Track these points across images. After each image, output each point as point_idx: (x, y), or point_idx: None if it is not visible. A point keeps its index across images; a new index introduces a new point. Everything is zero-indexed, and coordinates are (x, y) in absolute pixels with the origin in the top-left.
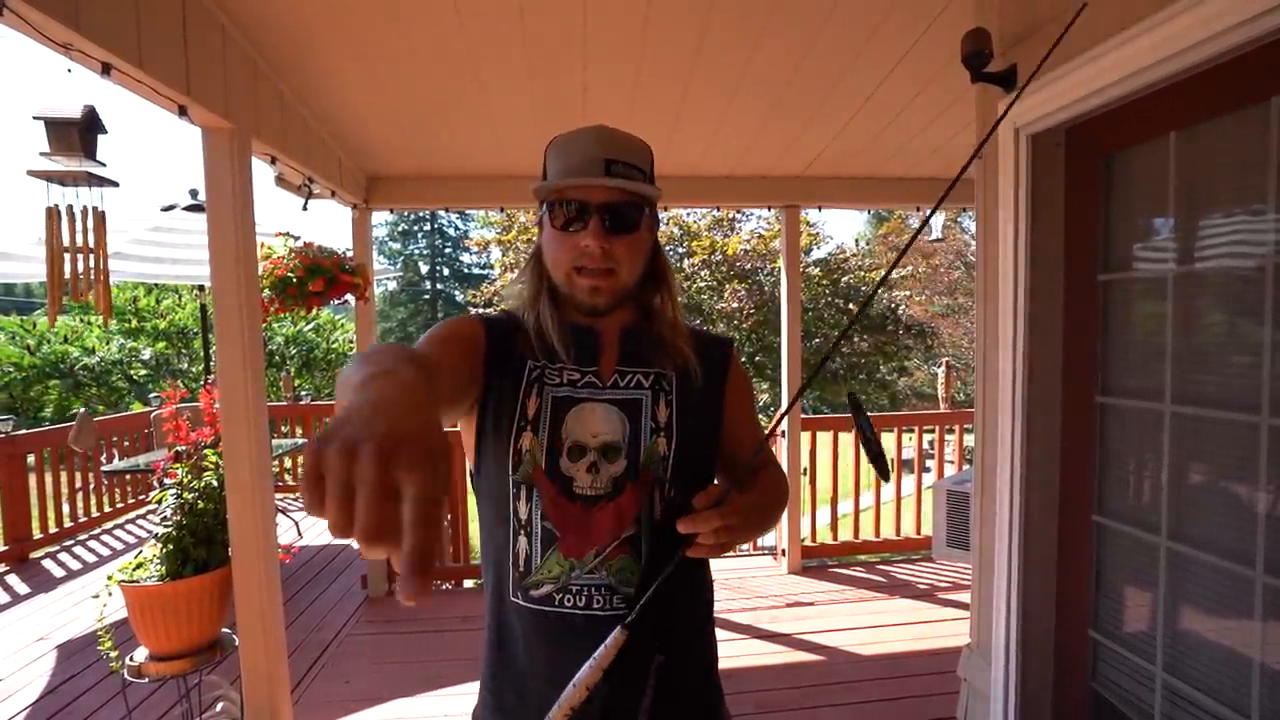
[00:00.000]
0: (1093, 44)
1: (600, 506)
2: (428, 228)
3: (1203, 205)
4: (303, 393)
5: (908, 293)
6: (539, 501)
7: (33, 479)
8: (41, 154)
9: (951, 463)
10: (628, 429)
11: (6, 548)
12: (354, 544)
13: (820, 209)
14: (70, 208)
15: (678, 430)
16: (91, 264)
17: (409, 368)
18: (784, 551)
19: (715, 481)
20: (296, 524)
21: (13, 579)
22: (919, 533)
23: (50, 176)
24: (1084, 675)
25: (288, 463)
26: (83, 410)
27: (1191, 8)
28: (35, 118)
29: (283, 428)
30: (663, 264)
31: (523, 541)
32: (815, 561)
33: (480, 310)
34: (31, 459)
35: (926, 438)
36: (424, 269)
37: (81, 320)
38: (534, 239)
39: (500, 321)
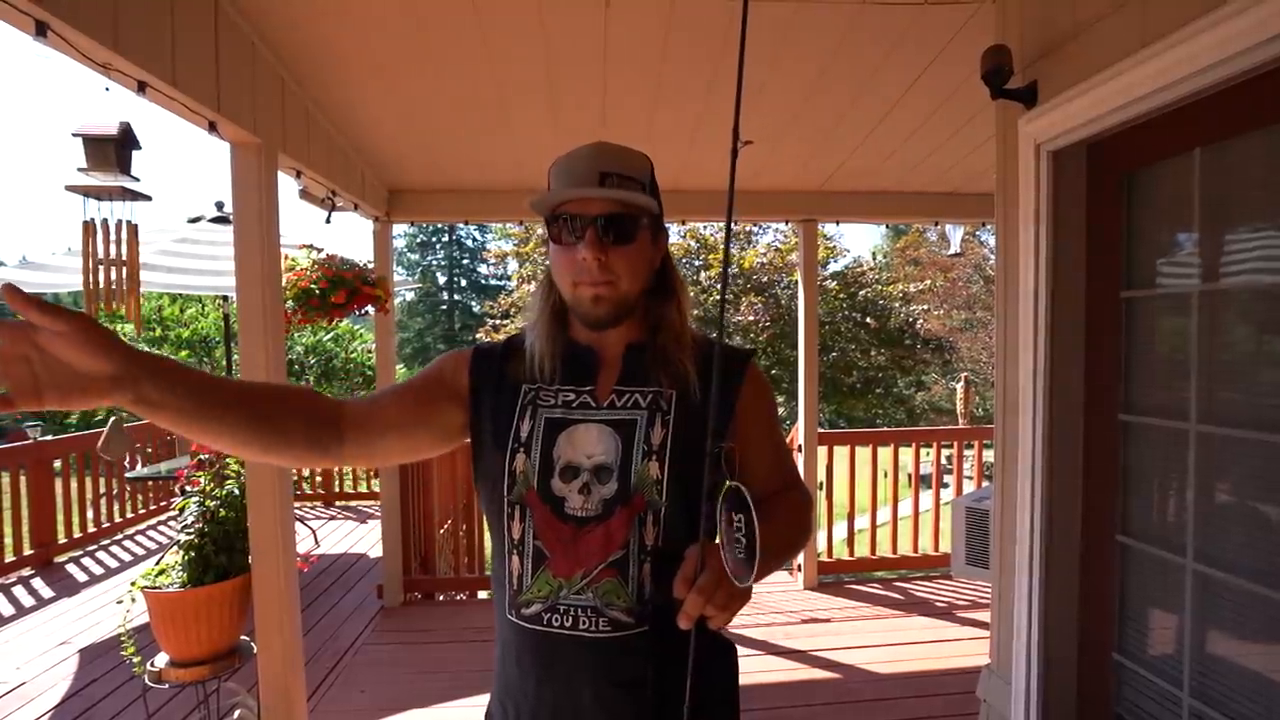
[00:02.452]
0: (1115, 60)
1: (590, 528)
2: (446, 239)
3: (1228, 221)
4: None
5: (925, 307)
6: (531, 521)
7: (58, 484)
8: (79, 169)
9: (970, 479)
10: (620, 450)
11: (32, 551)
12: (370, 554)
13: (838, 223)
14: (105, 221)
15: (671, 453)
16: (124, 275)
17: None
18: (800, 567)
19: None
20: (314, 532)
21: (38, 582)
22: (937, 550)
23: (87, 191)
24: (1107, 699)
25: (306, 471)
26: (114, 418)
27: (1212, 27)
28: (74, 134)
29: None
30: (674, 279)
31: (515, 560)
32: (832, 577)
33: (484, 336)
34: (58, 464)
35: (945, 453)
36: (442, 280)
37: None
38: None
39: (494, 350)
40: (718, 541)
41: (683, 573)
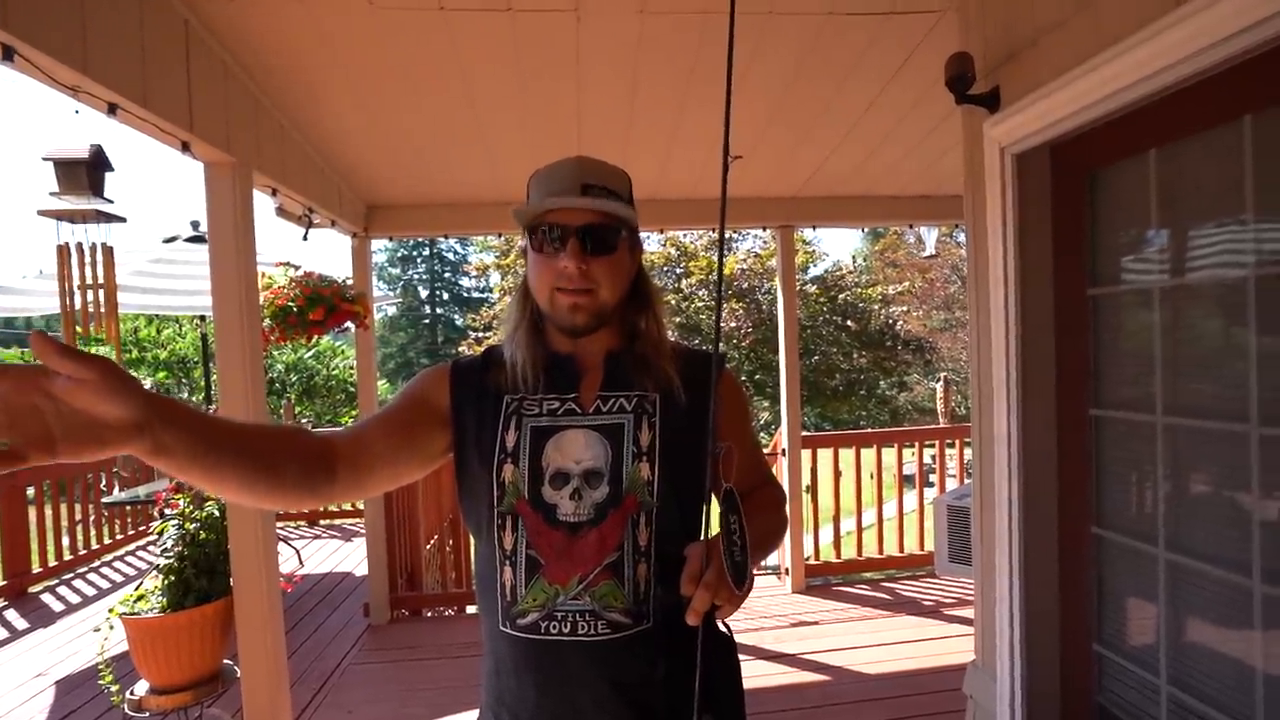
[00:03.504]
0: (1073, 64)
1: (583, 533)
2: (426, 253)
3: (1186, 218)
4: (304, 420)
5: (905, 308)
6: (523, 531)
7: (32, 512)
8: (51, 194)
9: (953, 476)
10: (610, 454)
11: (5, 582)
12: (356, 572)
13: (814, 228)
14: (80, 245)
15: (660, 453)
16: (101, 298)
17: None
18: (787, 570)
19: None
20: (298, 552)
21: (11, 614)
22: (922, 549)
23: (60, 215)
24: (1089, 689)
25: None
26: None
27: (1163, 31)
28: (45, 159)
29: None
30: (649, 288)
31: (508, 571)
32: (819, 580)
33: (467, 349)
34: (31, 492)
35: (927, 453)
36: (423, 294)
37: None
38: None
39: (472, 364)
40: (718, 539)
41: (688, 571)
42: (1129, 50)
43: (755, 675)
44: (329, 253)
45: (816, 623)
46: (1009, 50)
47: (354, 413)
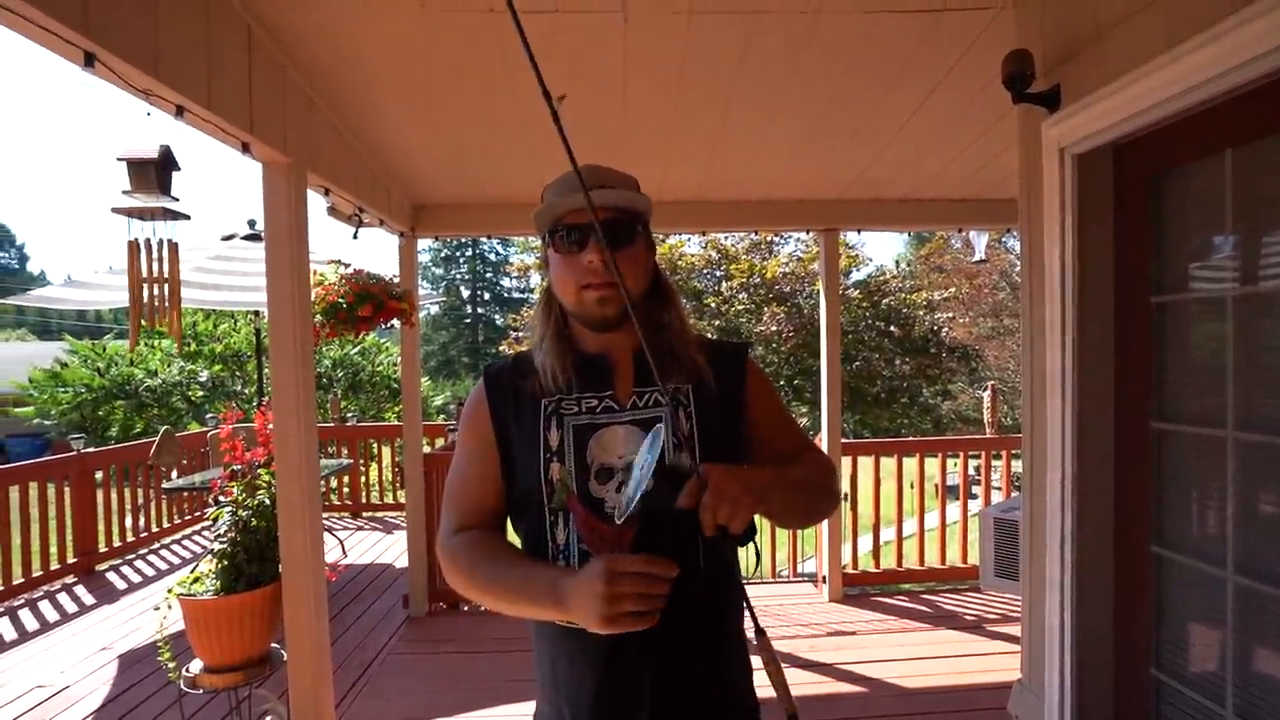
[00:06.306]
0: (1140, 62)
1: (630, 524)
2: (469, 253)
3: (1264, 223)
4: (349, 414)
5: (951, 314)
6: (573, 526)
7: (100, 494)
8: (123, 192)
9: (999, 489)
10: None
11: (75, 559)
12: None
13: (859, 231)
14: (148, 240)
15: (700, 440)
16: (166, 292)
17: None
18: (825, 579)
19: None
20: (341, 543)
21: (80, 590)
22: (965, 562)
23: (131, 212)
24: (1145, 716)
25: (334, 482)
26: (166, 427)
27: (1238, 27)
28: (119, 159)
29: (329, 448)
30: (666, 283)
31: (560, 565)
32: (857, 589)
33: (507, 349)
34: (100, 475)
35: (972, 463)
36: (465, 294)
37: (146, 344)
38: None
39: (505, 373)
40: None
41: (687, 490)
42: (1205, 45)
43: (789, 684)
44: (375, 251)
45: (854, 633)
46: (1070, 47)
47: (397, 408)
